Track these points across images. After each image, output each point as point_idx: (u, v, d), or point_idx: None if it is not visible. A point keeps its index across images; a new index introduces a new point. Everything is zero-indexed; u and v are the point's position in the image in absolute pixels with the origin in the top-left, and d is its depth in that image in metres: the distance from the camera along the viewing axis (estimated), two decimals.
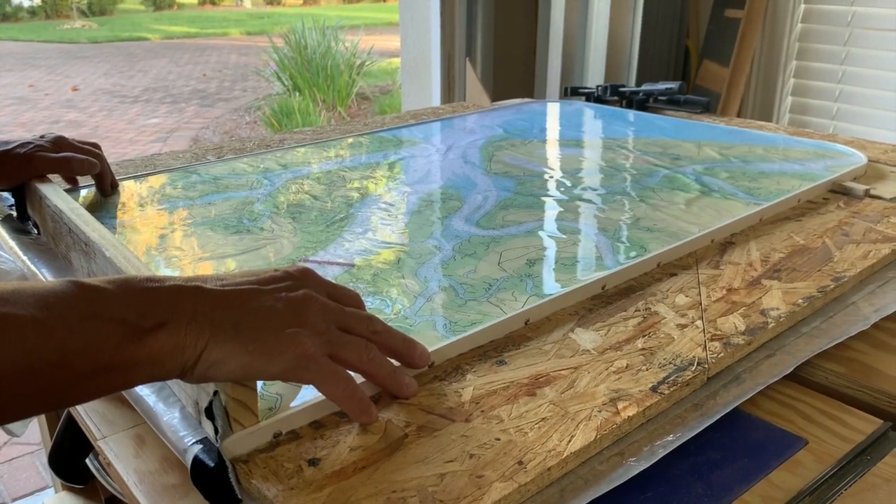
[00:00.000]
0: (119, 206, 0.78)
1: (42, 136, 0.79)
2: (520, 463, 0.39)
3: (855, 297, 0.60)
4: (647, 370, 0.48)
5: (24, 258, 0.66)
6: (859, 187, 0.81)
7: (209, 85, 6.59)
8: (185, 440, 0.41)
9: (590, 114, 1.22)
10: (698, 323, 0.53)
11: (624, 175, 0.88)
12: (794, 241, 0.68)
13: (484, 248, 0.66)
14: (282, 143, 1.03)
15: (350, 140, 1.06)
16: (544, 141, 1.06)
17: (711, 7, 2.16)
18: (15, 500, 1.47)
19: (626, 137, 1.06)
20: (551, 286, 0.59)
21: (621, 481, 0.40)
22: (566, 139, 1.08)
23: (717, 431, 0.45)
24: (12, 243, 0.69)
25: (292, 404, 0.43)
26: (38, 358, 0.34)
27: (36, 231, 0.74)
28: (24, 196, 0.75)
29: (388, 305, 0.56)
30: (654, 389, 0.45)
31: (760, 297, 0.57)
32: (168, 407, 0.44)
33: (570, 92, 1.33)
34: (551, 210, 0.77)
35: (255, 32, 10.05)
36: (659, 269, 0.63)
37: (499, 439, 0.41)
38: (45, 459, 0.96)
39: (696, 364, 0.48)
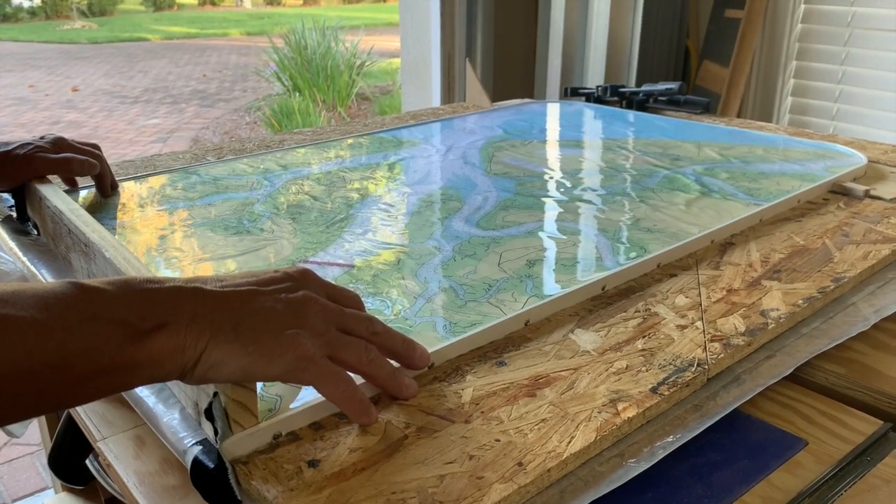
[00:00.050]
0: (119, 206, 0.78)
1: (42, 137, 0.79)
2: (519, 464, 0.39)
3: (855, 297, 0.60)
4: (646, 371, 0.48)
5: (24, 259, 0.66)
6: (859, 188, 0.81)
7: (209, 85, 6.59)
8: (185, 441, 0.41)
9: (590, 114, 1.22)
10: (698, 324, 0.53)
11: (624, 176, 0.88)
12: (794, 241, 0.68)
13: (484, 248, 0.66)
14: (282, 144, 1.03)
15: (350, 141, 1.06)
16: (544, 141, 1.06)
17: (711, 7, 2.16)
18: (15, 500, 1.47)
19: (626, 138, 1.06)
20: (551, 287, 0.59)
21: (621, 482, 0.40)
22: (566, 140, 1.08)
23: (717, 432, 0.45)
24: (12, 244, 0.69)
25: (292, 405, 0.43)
26: (38, 359, 0.34)
27: (36, 232, 0.74)
28: (23, 197, 0.75)
29: (388, 306, 0.56)
30: (653, 390, 0.45)
31: (760, 298, 0.57)
32: (168, 408, 0.44)
33: (570, 92, 1.33)
34: (551, 211, 0.77)
35: (255, 33, 10.05)
36: (659, 270, 0.63)
37: (498, 440, 0.41)
38: (45, 460, 0.96)
39: (696, 365, 0.48)
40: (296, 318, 0.41)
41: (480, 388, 0.46)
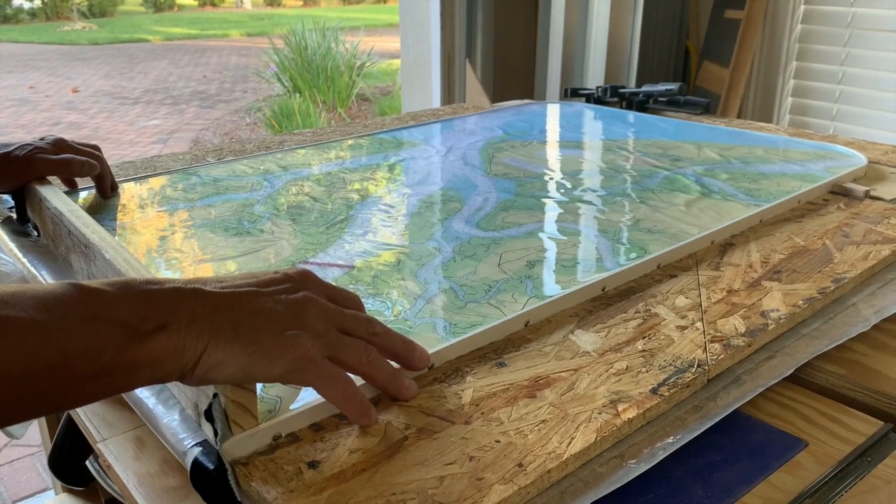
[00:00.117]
0: (119, 207, 0.78)
1: (42, 138, 0.79)
2: (520, 465, 0.39)
3: (855, 298, 0.60)
4: (647, 372, 0.48)
5: (24, 260, 0.66)
6: (859, 188, 0.81)
7: (209, 86, 6.59)
8: (185, 442, 0.41)
9: (590, 115, 1.22)
10: (698, 324, 0.53)
11: (624, 176, 0.88)
12: (794, 242, 0.68)
13: (484, 249, 0.66)
14: (282, 145, 1.03)
15: (350, 142, 1.06)
16: (544, 142, 1.06)
17: (711, 8, 2.16)
18: (16, 502, 1.47)
19: (626, 139, 1.06)
20: (551, 288, 0.59)
21: (621, 483, 0.40)
22: (566, 140, 1.08)
23: (717, 433, 0.45)
24: (12, 245, 0.69)
25: (292, 407, 0.43)
26: (38, 360, 0.34)
27: (36, 233, 0.74)
28: (23, 198, 0.75)
29: (388, 307, 0.56)
30: (654, 391, 0.45)
31: (760, 299, 0.57)
32: (168, 409, 0.44)
33: (570, 93, 1.33)
34: (551, 212, 0.77)
35: (255, 34, 10.05)
36: (659, 271, 0.63)
37: (499, 441, 0.41)
38: (45, 461, 0.96)
39: (696, 366, 0.48)
40: (296, 319, 0.41)
41: (480, 389, 0.46)
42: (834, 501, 0.41)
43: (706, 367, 0.48)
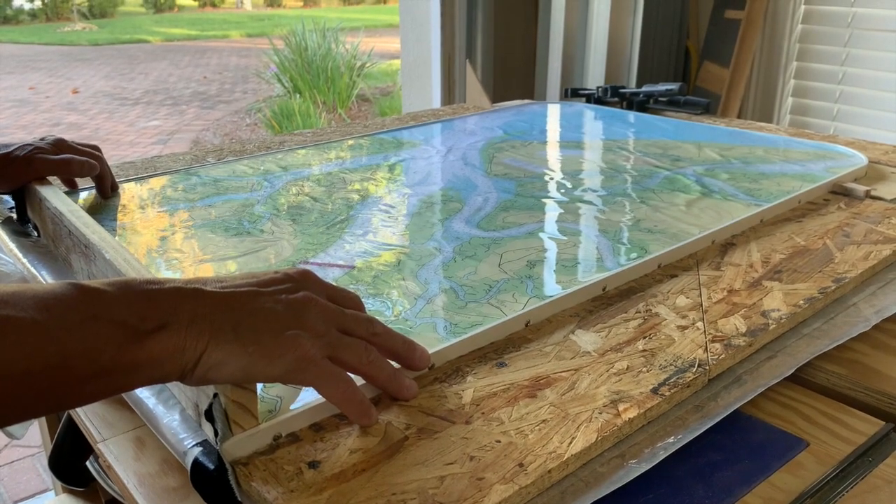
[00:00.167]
0: (119, 208, 0.78)
1: (42, 139, 0.79)
2: (520, 465, 0.39)
3: (856, 298, 0.60)
4: (647, 372, 0.47)
5: (24, 260, 0.66)
6: (860, 188, 0.81)
7: (210, 87, 6.59)
8: (185, 443, 0.41)
9: (590, 115, 1.22)
10: (699, 324, 0.53)
11: (624, 176, 0.88)
12: (794, 242, 0.68)
13: (484, 249, 0.66)
14: (282, 145, 1.03)
15: (350, 142, 1.06)
16: (545, 142, 1.06)
17: (711, 8, 2.16)
18: (16, 502, 1.47)
19: (627, 139, 1.06)
20: (552, 288, 0.59)
21: (622, 483, 0.40)
22: (566, 141, 1.08)
23: (718, 433, 0.45)
24: (12, 245, 0.69)
25: (292, 406, 0.43)
26: (39, 360, 0.34)
27: (36, 233, 0.74)
28: (24, 198, 0.75)
29: (389, 307, 0.56)
30: (654, 391, 0.45)
31: (761, 299, 0.57)
32: (168, 409, 0.44)
33: (571, 93, 1.33)
34: (552, 212, 0.77)
35: (255, 34, 10.05)
36: (659, 271, 0.63)
37: (499, 441, 0.41)
38: (45, 462, 0.96)
39: (696, 365, 0.48)
40: (296, 319, 0.41)
41: (481, 389, 0.46)
42: (835, 501, 0.41)
43: (707, 367, 0.48)
